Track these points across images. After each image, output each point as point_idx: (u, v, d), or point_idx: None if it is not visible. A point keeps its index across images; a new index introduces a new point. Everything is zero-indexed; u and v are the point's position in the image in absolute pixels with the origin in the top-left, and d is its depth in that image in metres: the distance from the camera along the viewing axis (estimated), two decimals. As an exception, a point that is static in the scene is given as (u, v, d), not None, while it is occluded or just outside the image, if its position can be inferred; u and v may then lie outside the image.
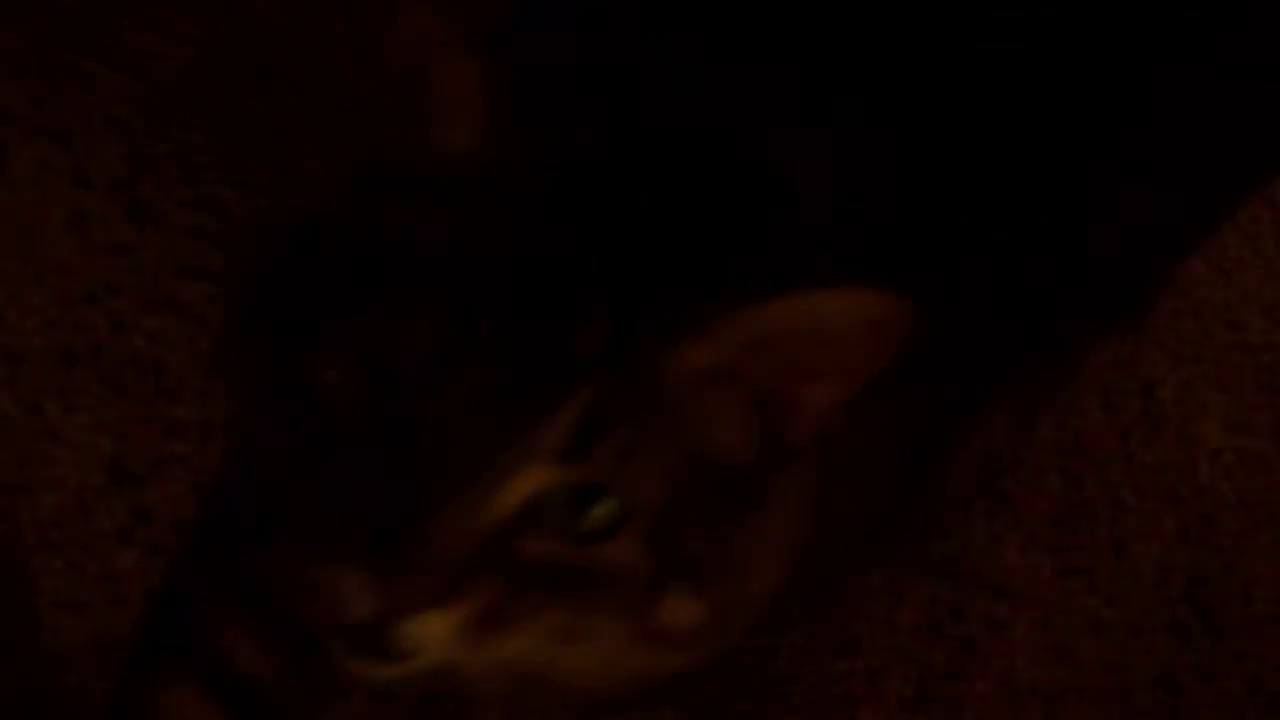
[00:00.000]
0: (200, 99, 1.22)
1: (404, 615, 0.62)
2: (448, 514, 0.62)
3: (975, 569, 1.26)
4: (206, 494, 0.98)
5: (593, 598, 0.67)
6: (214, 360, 1.02)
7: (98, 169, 1.19)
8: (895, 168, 0.75)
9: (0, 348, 1.13)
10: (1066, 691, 1.27)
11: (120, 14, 1.23)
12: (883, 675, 1.23)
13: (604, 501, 0.64)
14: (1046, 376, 1.06)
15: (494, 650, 0.67)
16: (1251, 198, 1.21)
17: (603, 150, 0.69)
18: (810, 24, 0.78)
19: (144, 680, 0.89)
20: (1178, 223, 0.95)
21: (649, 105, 0.72)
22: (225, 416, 1.00)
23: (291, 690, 0.81)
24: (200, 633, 0.83)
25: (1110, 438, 1.32)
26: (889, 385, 0.66)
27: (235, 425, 0.80)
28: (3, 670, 0.96)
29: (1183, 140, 0.86)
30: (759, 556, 0.71)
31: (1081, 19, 0.80)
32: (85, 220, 1.18)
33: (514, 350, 0.62)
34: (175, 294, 1.15)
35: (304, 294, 0.66)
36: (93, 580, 1.05)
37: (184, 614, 0.88)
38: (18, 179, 1.18)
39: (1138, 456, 1.33)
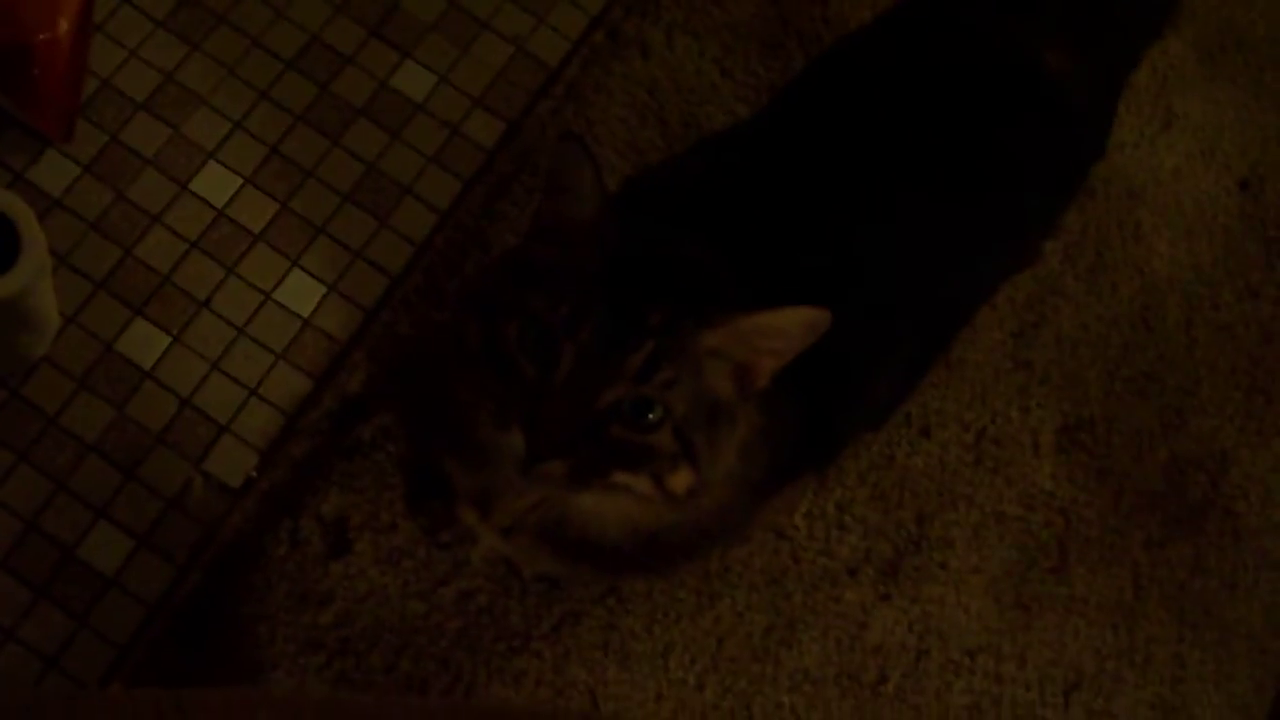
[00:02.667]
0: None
1: (541, 458, 1.07)
2: (570, 406, 1.08)
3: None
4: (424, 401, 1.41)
5: (640, 465, 1.12)
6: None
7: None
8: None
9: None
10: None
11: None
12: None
13: (655, 409, 1.10)
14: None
15: (579, 490, 1.13)
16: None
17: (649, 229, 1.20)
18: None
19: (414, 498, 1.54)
20: (904, 386, 1.56)
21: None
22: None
23: (481, 494, 1.28)
24: (438, 470, 1.32)
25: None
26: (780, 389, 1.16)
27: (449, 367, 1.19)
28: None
29: (903, 339, 1.39)
30: (726, 450, 1.17)
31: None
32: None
33: (614, 317, 1.08)
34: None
35: (501, 289, 1.14)
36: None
37: (428, 465, 1.47)
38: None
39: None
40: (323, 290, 1.57)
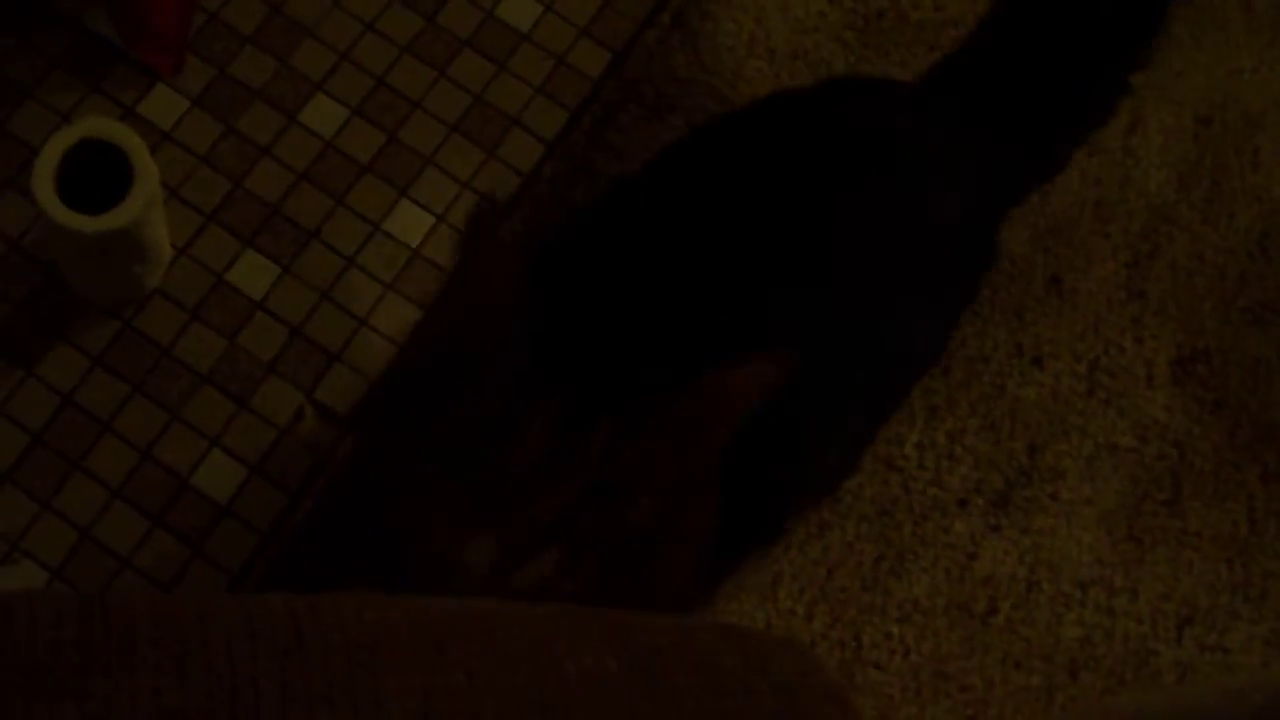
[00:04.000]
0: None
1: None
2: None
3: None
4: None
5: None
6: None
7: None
8: None
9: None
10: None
11: None
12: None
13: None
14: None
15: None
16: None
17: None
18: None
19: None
20: (850, 457, 1.51)
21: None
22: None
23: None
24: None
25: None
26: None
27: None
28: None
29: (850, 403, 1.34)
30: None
31: None
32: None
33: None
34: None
35: None
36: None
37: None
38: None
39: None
40: (431, 221, 1.58)
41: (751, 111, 1.38)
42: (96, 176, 1.38)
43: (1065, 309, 1.68)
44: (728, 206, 1.26)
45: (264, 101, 1.59)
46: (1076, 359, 1.66)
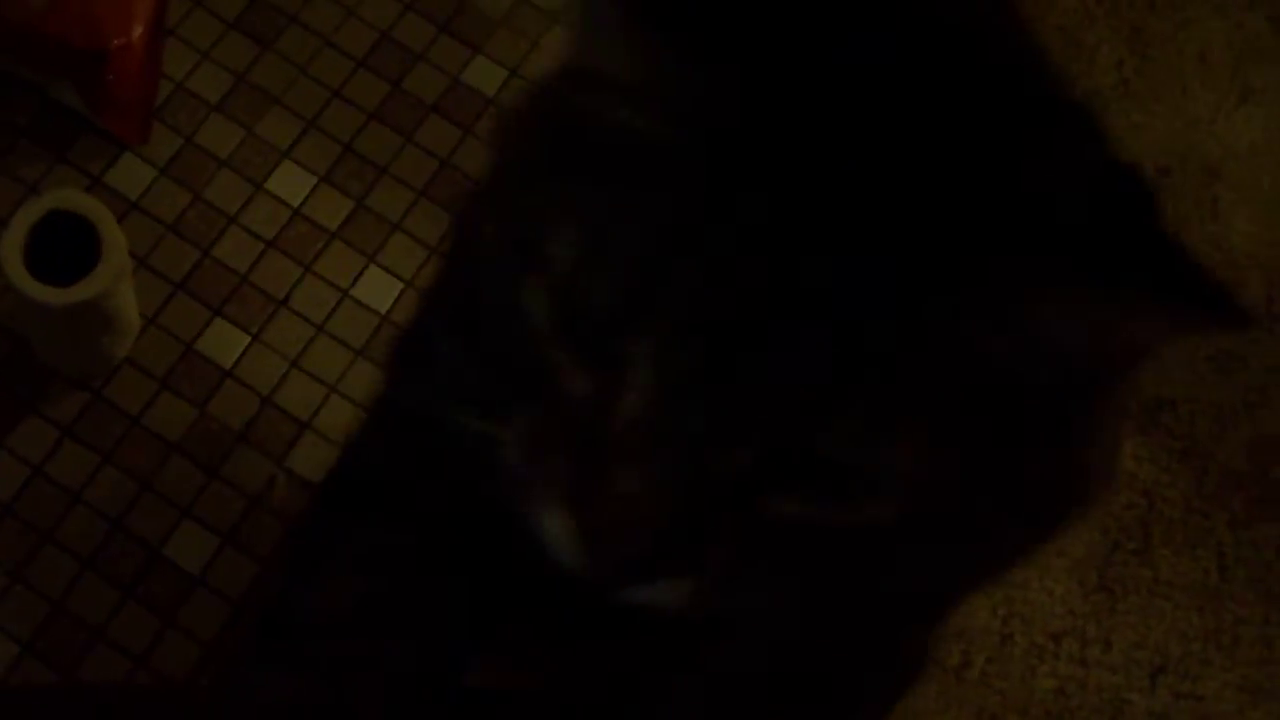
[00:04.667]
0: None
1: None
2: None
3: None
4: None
5: None
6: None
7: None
8: None
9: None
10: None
11: None
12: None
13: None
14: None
15: None
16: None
17: None
18: None
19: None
20: None
21: None
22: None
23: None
24: None
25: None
26: None
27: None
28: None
29: None
30: None
31: None
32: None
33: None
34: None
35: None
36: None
37: None
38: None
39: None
40: (400, 286, 1.58)
41: None
42: (64, 245, 1.38)
43: (1032, 361, 1.69)
44: None
45: (231, 170, 1.60)
46: (1044, 411, 1.67)
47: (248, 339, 1.54)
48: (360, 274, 1.58)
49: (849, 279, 0.56)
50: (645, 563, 0.59)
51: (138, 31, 1.52)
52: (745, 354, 0.56)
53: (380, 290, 1.58)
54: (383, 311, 1.57)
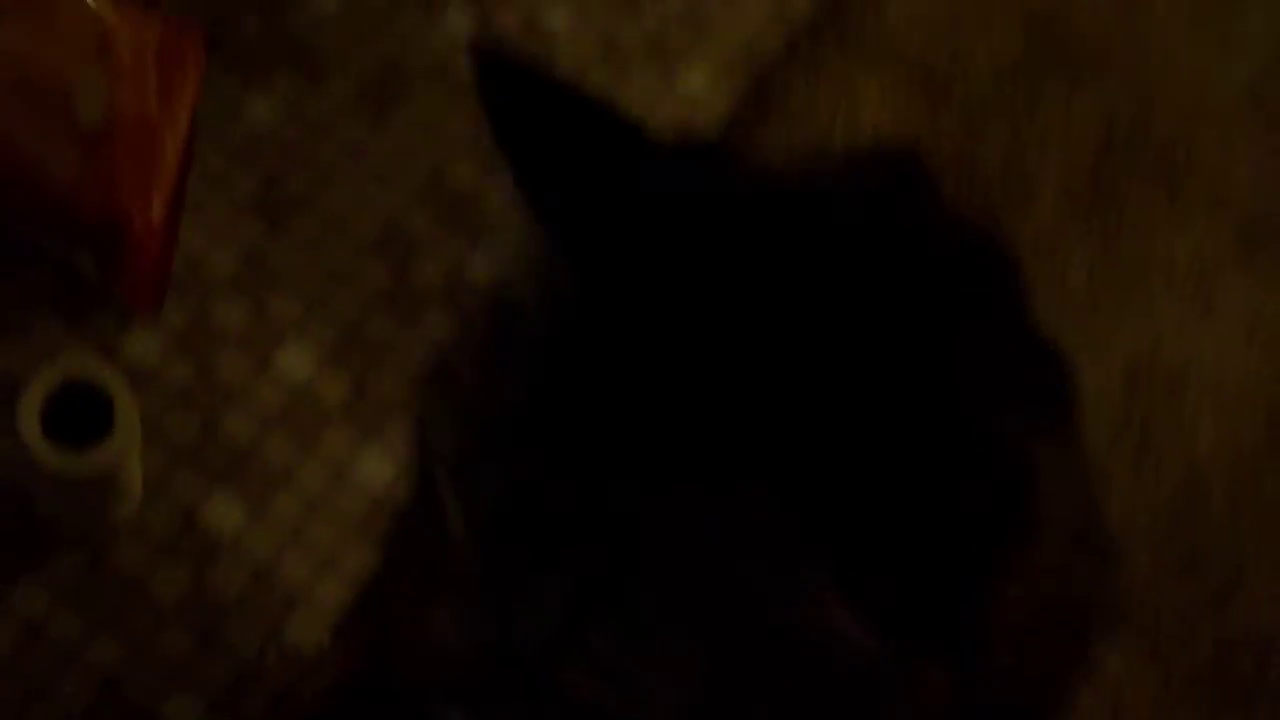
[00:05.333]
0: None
1: None
2: None
3: None
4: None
5: None
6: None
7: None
8: None
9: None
10: None
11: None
12: None
13: None
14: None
15: None
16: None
17: None
18: None
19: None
20: None
21: None
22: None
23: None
24: None
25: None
26: None
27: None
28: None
29: None
30: None
31: None
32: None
33: None
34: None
35: None
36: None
37: None
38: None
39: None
40: (398, 468, 1.62)
41: None
42: (75, 407, 1.43)
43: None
44: None
45: (238, 345, 1.65)
46: (1015, 608, 1.71)
47: (248, 511, 1.58)
48: (360, 454, 1.62)
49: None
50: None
51: (158, 206, 1.58)
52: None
53: (379, 471, 1.62)
54: (380, 492, 1.61)
